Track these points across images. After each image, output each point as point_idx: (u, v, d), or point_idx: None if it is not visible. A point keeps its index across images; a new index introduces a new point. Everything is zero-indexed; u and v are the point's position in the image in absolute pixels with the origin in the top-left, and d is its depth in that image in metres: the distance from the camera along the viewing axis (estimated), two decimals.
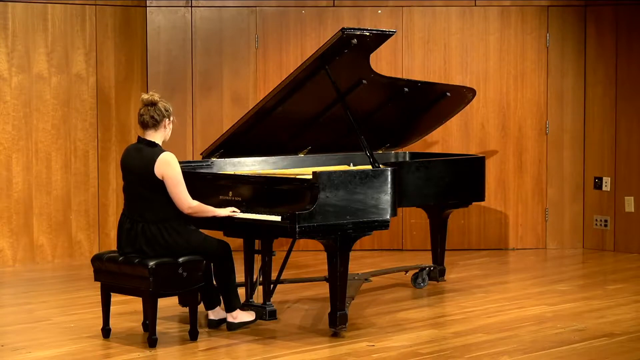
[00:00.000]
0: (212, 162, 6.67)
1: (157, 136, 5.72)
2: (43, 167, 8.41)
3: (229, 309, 5.92)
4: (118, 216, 8.71)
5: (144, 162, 5.62)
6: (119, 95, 8.76)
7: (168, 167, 5.58)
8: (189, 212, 5.66)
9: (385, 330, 6.04)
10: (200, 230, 5.81)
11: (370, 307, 6.70)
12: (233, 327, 5.94)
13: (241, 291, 6.38)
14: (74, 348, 5.63)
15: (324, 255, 5.86)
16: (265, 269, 6.18)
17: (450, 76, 8.90)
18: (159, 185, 5.60)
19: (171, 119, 5.75)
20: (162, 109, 5.70)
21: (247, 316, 6.00)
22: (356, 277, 7.00)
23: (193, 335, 5.77)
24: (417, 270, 7.41)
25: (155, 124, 5.69)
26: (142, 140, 5.73)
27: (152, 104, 5.69)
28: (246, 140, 6.60)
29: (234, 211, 5.84)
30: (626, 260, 8.56)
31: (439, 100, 7.27)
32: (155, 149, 5.65)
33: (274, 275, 6.40)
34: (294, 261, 7.94)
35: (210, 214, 5.77)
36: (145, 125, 5.70)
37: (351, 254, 5.88)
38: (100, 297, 5.84)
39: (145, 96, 5.71)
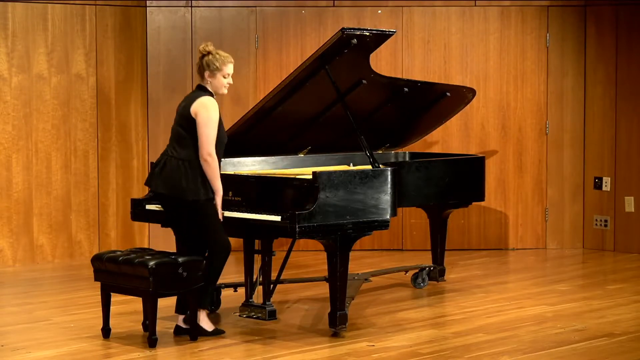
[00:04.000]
0: None
1: (205, 85, 5.82)
2: (43, 167, 8.41)
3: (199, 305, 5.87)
4: (118, 216, 8.79)
5: (187, 101, 5.77)
6: (119, 95, 8.76)
7: (202, 108, 5.67)
8: (206, 159, 5.63)
9: (385, 330, 6.04)
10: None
11: (370, 307, 6.70)
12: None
13: (241, 291, 6.39)
14: (74, 348, 5.63)
15: (324, 255, 5.86)
16: (265, 269, 6.18)
17: (450, 76, 8.90)
18: (193, 125, 5.68)
19: (215, 73, 5.77)
20: (203, 63, 5.78)
21: (207, 325, 5.87)
22: (356, 277, 7.00)
23: (193, 335, 5.77)
24: (417, 270, 7.41)
25: (199, 74, 5.84)
26: (197, 86, 5.88)
27: (202, 55, 5.81)
28: (246, 140, 6.60)
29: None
30: (626, 260, 8.56)
31: (438, 100, 7.27)
32: (201, 92, 5.77)
33: (274, 275, 6.40)
34: (294, 261, 7.94)
35: (215, 181, 5.67)
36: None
37: (351, 254, 5.88)
38: (100, 297, 5.84)
39: (200, 47, 5.81)
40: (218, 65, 5.76)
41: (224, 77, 5.79)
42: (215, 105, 5.70)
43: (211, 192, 5.69)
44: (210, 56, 5.77)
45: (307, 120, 6.77)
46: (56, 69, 8.43)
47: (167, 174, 5.71)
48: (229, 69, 5.81)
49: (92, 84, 8.62)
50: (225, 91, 5.84)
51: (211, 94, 5.78)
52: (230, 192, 6.01)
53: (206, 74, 5.79)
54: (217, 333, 5.85)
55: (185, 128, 5.71)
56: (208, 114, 5.64)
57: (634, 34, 8.75)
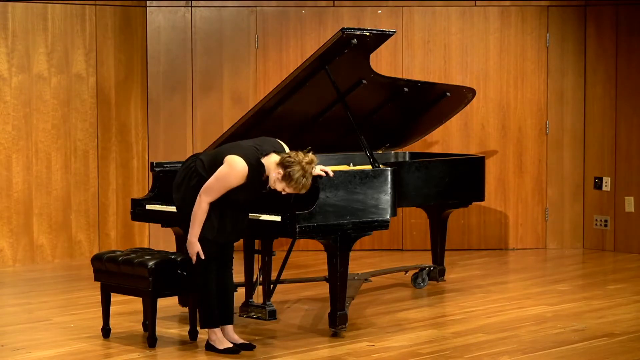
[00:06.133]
0: None
1: (265, 159, 5.40)
2: (43, 167, 8.41)
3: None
4: (118, 216, 8.78)
5: (236, 146, 5.48)
6: (119, 95, 8.76)
7: (228, 166, 5.31)
8: (198, 197, 5.35)
9: (385, 330, 6.04)
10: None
11: (370, 307, 6.70)
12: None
13: (241, 291, 6.38)
14: (74, 348, 5.63)
15: (324, 255, 5.86)
16: (265, 269, 6.18)
17: (450, 76, 8.90)
18: (220, 163, 5.37)
19: (283, 181, 5.33)
20: (288, 165, 5.32)
21: (219, 343, 5.55)
22: (356, 277, 7.00)
23: (193, 336, 5.77)
24: (417, 270, 7.41)
25: (279, 156, 5.41)
26: (264, 147, 5.49)
27: (299, 162, 5.35)
28: None
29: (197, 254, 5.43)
30: (626, 260, 8.56)
31: (439, 100, 7.27)
32: (253, 152, 5.40)
33: (274, 275, 6.40)
34: (294, 261, 7.94)
35: (191, 223, 5.40)
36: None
37: (351, 254, 5.88)
38: (100, 297, 5.84)
39: (309, 157, 5.39)
40: (291, 183, 5.33)
41: (284, 189, 5.37)
42: (240, 171, 5.30)
43: (207, 232, 5.42)
44: (300, 173, 5.32)
45: (307, 120, 6.77)
46: (56, 69, 8.43)
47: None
48: (295, 189, 5.36)
49: (92, 84, 8.61)
50: (268, 188, 5.44)
51: (258, 166, 5.38)
52: None
53: (279, 170, 5.34)
54: (230, 352, 5.50)
55: (218, 156, 5.42)
56: (227, 172, 5.31)
57: (634, 34, 8.75)
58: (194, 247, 5.44)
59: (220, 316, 5.57)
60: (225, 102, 8.88)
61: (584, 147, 9.06)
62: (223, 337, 5.55)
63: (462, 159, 7.23)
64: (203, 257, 5.44)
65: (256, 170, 5.40)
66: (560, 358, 5.42)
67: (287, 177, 5.35)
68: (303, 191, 5.42)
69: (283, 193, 5.44)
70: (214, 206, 5.42)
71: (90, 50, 8.59)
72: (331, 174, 5.71)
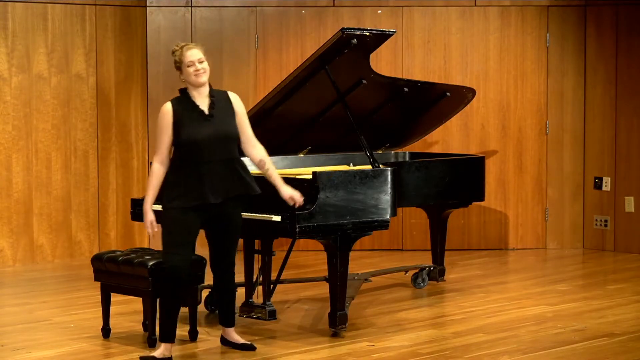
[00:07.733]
0: None
1: (184, 87, 5.55)
2: (43, 167, 8.41)
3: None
4: (118, 216, 8.78)
5: None
6: (119, 95, 8.76)
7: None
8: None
9: (385, 330, 6.04)
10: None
11: (370, 307, 6.70)
12: None
13: (241, 291, 6.38)
14: (74, 348, 5.63)
15: (324, 255, 5.86)
16: (265, 269, 6.18)
17: (450, 76, 8.90)
18: None
19: (182, 68, 5.46)
20: (174, 65, 5.54)
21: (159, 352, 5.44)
22: (356, 277, 7.00)
23: (193, 336, 5.78)
24: (417, 270, 7.41)
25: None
26: None
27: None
28: None
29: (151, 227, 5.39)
30: (626, 260, 8.55)
31: (439, 100, 7.28)
32: None
33: (274, 275, 6.40)
34: (294, 261, 7.94)
35: (146, 196, 5.42)
36: None
37: (351, 254, 5.88)
38: (100, 297, 5.84)
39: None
40: (177, 58, 5.50)
41: (189, 66, 5.42)
42: (163, 111, 5.37)
43: (169, 199, 5.38)
44: (173, 54, 5.52)
45: (307, 120, 6.77)
46: (56, 69, 8.43)
47: None
48: (190, 56, 5.43)
49: (92, 84, 8.61)
50: (199, 79, 5.44)
51: (181, 95, 5.51)
52: None
53: (178, 73, 5.54)
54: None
55: None
56: (157, 118, 5.42)
57: (634, 34, 8.75)
58: (146, 215, 5.37)
59: (222, 318, 5.59)
60: None
61: (584, 147, 9.06)
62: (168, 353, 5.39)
63: (462, 159, 7.23)
64: (154, 229, 5.33)
65: (181, 95, 5.50)
66: (560, 358, 5.42)
67: (176, 64, 5.50)
68: (200, 49, 5.53)
69: (201, 69, 5.46)
70: (177, 169, 5.31)
71: (90, 50, 8.59)
72: (300, 202, 5.51)
